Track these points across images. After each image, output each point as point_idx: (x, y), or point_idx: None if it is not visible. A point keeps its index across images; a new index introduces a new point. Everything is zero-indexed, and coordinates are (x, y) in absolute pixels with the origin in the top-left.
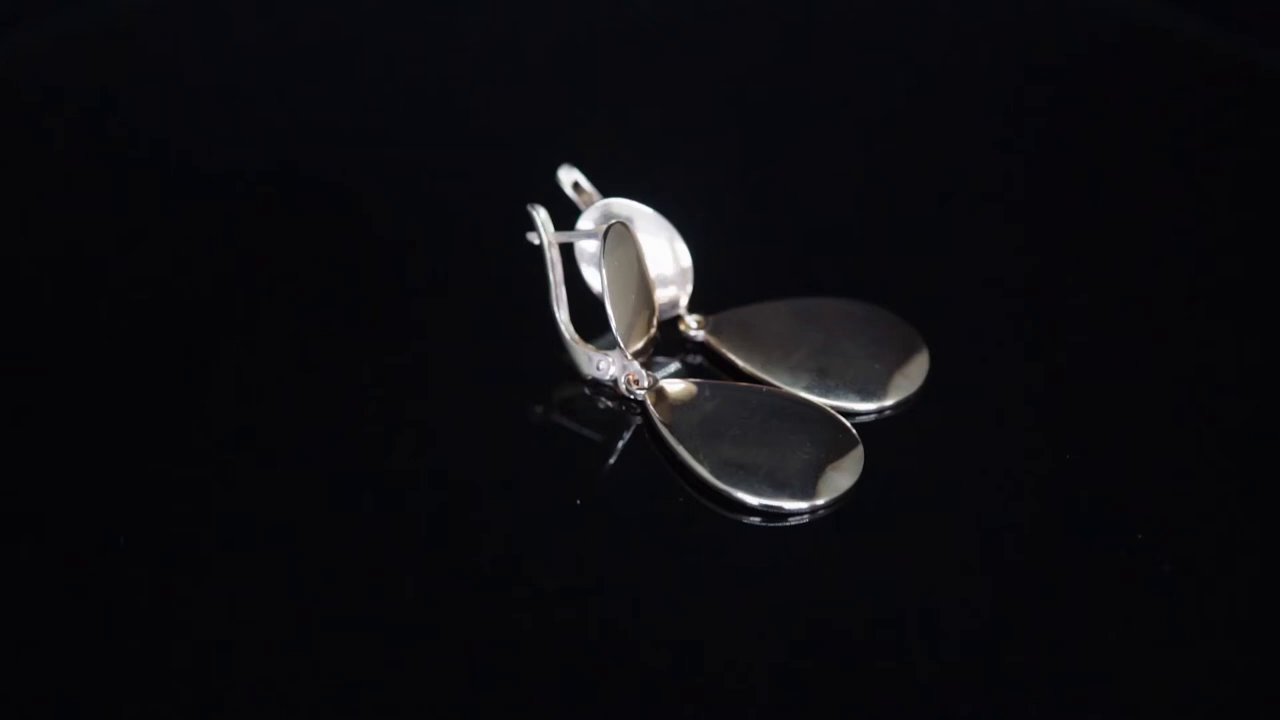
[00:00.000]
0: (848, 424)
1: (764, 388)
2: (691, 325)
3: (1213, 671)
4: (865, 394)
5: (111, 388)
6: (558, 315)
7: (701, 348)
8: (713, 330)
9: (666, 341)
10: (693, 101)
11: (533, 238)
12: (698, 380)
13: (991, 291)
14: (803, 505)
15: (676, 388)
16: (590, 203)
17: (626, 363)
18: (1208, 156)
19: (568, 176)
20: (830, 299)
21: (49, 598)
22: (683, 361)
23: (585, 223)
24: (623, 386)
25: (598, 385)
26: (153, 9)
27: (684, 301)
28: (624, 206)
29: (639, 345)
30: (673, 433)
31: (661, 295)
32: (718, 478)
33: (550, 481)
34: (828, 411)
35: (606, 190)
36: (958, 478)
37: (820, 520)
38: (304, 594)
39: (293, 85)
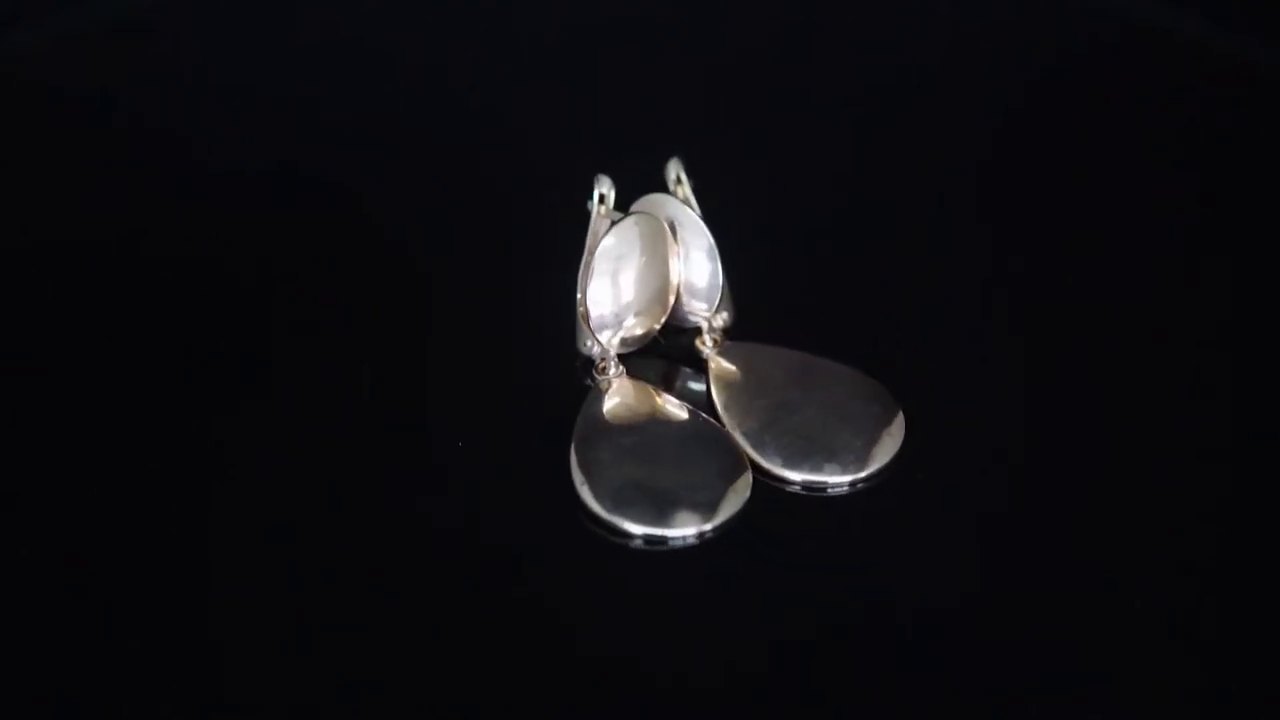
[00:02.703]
0: (748, 466)
1: (703, 416)
2: (707, 343)
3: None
4: (790, 463)
5: (112, 386)
6: (580, 285)
7: (704, 366)
8: (719, 354)
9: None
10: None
11: (591, 206)
12: (660, 389)
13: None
14: (647, 530)
15: (629, 387)
16: (676, 199)
17: (605, 348)
18: (1207, 157)
19: (674, 170)
20: (842, 365)
21: (48, 597)
22: (697, 373)
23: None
24: (597, 368)
25: (587, 362)
26: (153, 9)
27: (715, 320)
28: (669, 207)
29: (627, 335)
30: (581, 423)
31: (688, 306)
32: (577, 472)
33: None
34: (740, 452)
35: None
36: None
37: (682, 549)
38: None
39: (294, 84)
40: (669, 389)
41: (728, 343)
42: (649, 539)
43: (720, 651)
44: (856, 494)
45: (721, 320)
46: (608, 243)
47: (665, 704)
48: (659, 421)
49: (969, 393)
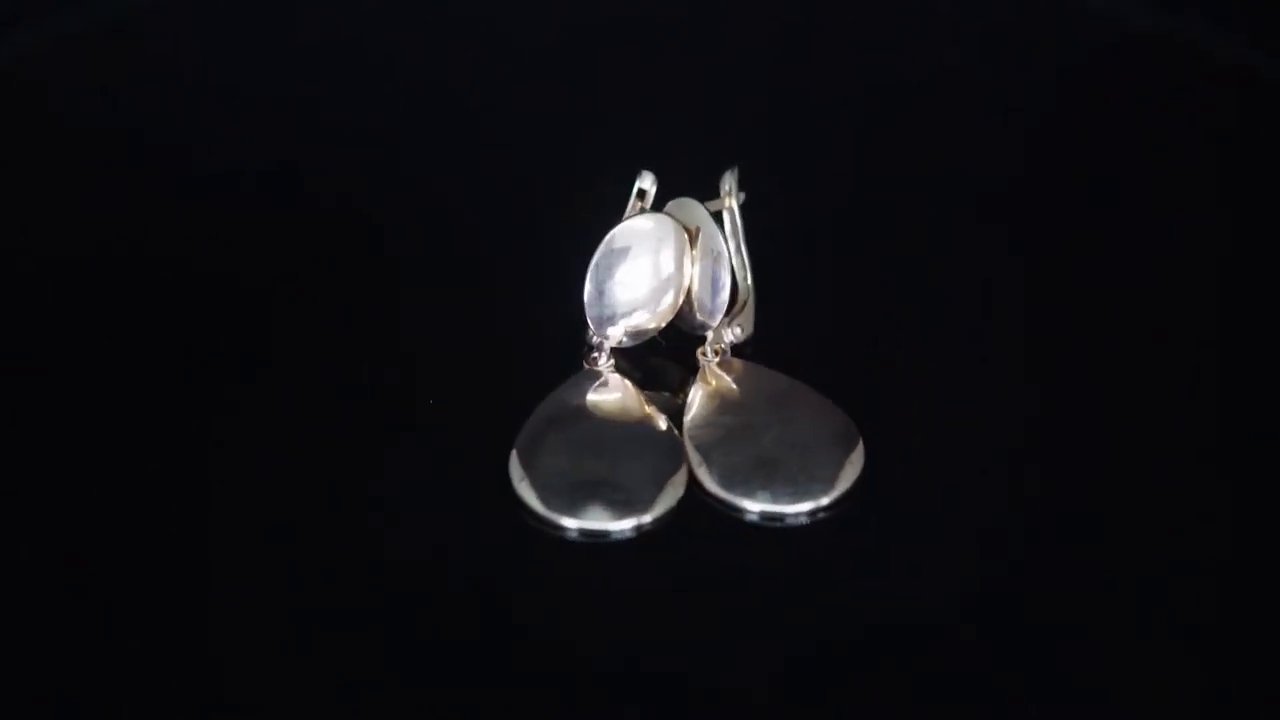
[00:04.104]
0: (684, 464)
1: (661, 421)
2: (707, 354)
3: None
4: (724, 483)
5: (112, 386)
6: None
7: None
8: (716, 366)
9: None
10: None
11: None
12: (637, 388)
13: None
14: (556, 518)
15: (606, 379)
16: (718, 207)
17: (603, 339)
18: (1207, 158)
19: (728, 181)
20: (822, 397)
21: (48, 597)
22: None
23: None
24: (589, 357)
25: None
26: (153, 9)
27: (727, 334)
28: (697, 214)
29: (626, 328)
30: (536, 411)
31: (700, 315)
32: (515, 457)
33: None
34: (682, 455)
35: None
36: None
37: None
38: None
39: (294, 84)
40: (648, 390)
41: (730, 357)
42: (584, 532)
43: (714, 651)
44: (818, 522)
45: (734, 335)
46: (631, 227)
47: (652, 704)
48: (614, 417)
49: (968, 393)
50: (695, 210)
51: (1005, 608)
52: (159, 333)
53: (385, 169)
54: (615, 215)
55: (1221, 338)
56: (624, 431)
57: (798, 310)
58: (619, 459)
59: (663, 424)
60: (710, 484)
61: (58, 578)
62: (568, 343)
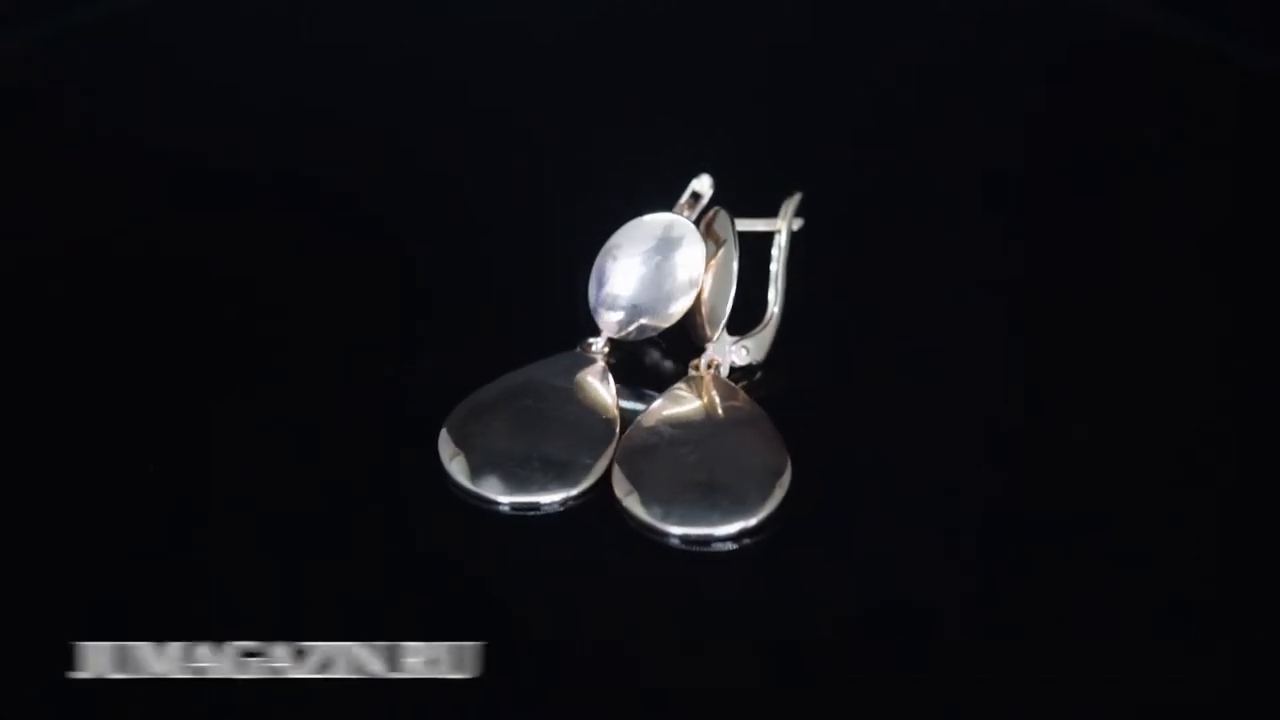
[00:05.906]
0: (613, 440)
1: (611, 416)
2: (700, 365)
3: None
4: (633, 491)
5: (110, 387)
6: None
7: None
8: (706, 379)
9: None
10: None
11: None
12: (618, 382)
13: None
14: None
15: (598, 369)
16: (764, 228)
17: (603, 327)
18: (1207, 158)
19: (788, 207)
20: (774, 431)
21: (46, 598)
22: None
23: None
24: (585, 342)
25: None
26: (153, 9)
27: (732, 354)
28: (726, 230)
29: (628, 321)
30: (495, 384)
31: (705, 329)
32: (447, 444)
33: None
34: (604, 447)
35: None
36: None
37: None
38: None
39: (294, 85)
40: (630, 386)
41: (722, 376)
42: (515, 506)
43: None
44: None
45: (738, 357)
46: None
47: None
48: (573, 402)
49: (968, 393)
50: (724, 223)
51: (1003, 607)
52: (158, 333)
53: (386, 170)
54: (618, 217)
55: (1221, 337)
56: (568, 415)
57: (797, 307)
58: (548, 440)
59: (612, 419)
60: (616, 485)
61: (58, 578)
62: (568, 340)
